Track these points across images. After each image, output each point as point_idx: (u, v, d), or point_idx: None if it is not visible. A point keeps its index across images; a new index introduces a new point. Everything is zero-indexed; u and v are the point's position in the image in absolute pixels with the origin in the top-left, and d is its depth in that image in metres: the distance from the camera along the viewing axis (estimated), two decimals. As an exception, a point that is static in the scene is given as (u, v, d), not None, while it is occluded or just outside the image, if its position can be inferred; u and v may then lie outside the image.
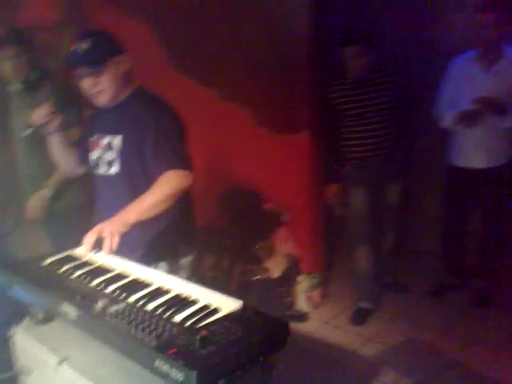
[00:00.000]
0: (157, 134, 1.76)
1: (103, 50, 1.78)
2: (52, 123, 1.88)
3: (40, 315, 1.34)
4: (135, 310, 1.10)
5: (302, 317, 3.39)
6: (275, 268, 3.34)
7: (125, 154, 1.83)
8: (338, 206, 3.23)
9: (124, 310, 1.11)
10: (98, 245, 1.48)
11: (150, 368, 0.95)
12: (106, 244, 1.45)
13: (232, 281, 3.27)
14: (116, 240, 1.48)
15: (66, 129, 1.95)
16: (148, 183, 1.69)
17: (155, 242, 1.89)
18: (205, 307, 1.12)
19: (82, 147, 2.02)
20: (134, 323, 1.03)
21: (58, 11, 4.02)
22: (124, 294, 1.20)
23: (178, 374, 0.89)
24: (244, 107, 3.49)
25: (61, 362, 1.12)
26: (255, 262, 3.29)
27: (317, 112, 3.23)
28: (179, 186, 1.71)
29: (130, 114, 1.83)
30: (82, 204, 2.65)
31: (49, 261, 1.50)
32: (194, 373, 0.86)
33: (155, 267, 1.90)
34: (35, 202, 2.58)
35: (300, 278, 3.48)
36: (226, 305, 1.12)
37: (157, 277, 1.32)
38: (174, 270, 1.95)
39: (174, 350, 0.93)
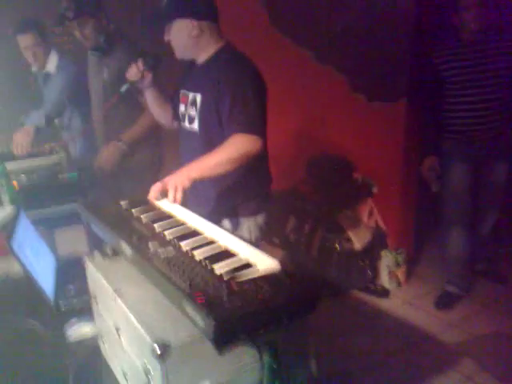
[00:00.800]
0: (233, 95, 1.77)
1: (173, 9, 1.84)
2: (144, 80, 1.99)
3: (109, 250, 1.48)
4: (180, 255, 1.17)
5: (382, 293, 3.31)
6: (358, 239, 3.27)
7: (203, 113, 1.89)
8: (434, 180, 3.03)
9: (170, 254, 1.18)
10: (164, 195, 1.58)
11: (180, 310, 1.01)
12: (170, 196, 1.54)
13: (312, 247, 3.28)
14: (179, 193, 1.55)
15: (157, 84, 2.06)
16: (223, 142, 1.73)
17: (225, 197, 1.95)
18: (243, 262, 1.14)
19: (174, 103, 2.12)
20: (175, 267, 1.10)
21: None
22: (176, 240, 1.27)
23: (200, 321, 0.93)
24: (340, 71, 3.37)
25: (116, 294, 1.23)
26: (338, 230, 3.24)
27: (417, 79, 3.01)
28: (246, 151, 1.72)
29: (211, 73, 1.87)
30: (152, 161, 2.85)
31: (123, 202, 1.64)
32: (213, 323, 0.90)
33: (223, 222, 1.98)
34: (108, 153, 2.78)
35: (385, 252, 3.37)
36: (265, 263, 1.13)
37: (210, 229, 1.38)
38: (241, 228, 2.01)
39: (202, 298, 0.98)
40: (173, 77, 2.27)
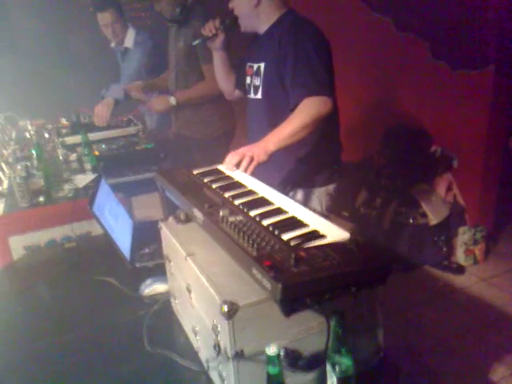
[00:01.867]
0: (296, 59, 1.76)
1: None
2: (217, 39, 2.03)
3: (182, 216, 1.54)
4: (249, 223, 1.20)
5: (458, 270, 3.20)
6: (434, 215, 3.15)
7: (266, 80, 1.90)
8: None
9: (240, 221, 1.21)
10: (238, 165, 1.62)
11: (249, 273, 1.04)
12: (243, 166, 1.57)
13: (385, 220, 3.21)
14: (253, 165, 1.58)
15: (228, 49, 2.08)
16: (289, 109, 1.73)
17: (295, 168, 1.96)
18: (312, 232, 1.15)
19: (239, 72, 2.14)
20: (244, 234, 1.13)
21: None
22: (245, 209, 1.30)
23: (267, 284, 0.96)
24: (421, 37, 3.20)
25: (187, 256, 1.30)
26: (412, 204, 3.14)
27: (506, 47, 2.78)
28: (317, 114, 1.70)
29: (273, 40, 1.87)
30: (224, 132, 2.93)
31: (196, 171, 1.69)
32: (280, 285, 0.92)
33: (294, 193, 2.00)
34: (157, 101, 2.98)
35: (462, 229, 3.24)
36: (334, 234, 1.13)
37: (279, 199, 1.39)
38: (312, 198, 2.02)
39: (270, 262, 1.00)
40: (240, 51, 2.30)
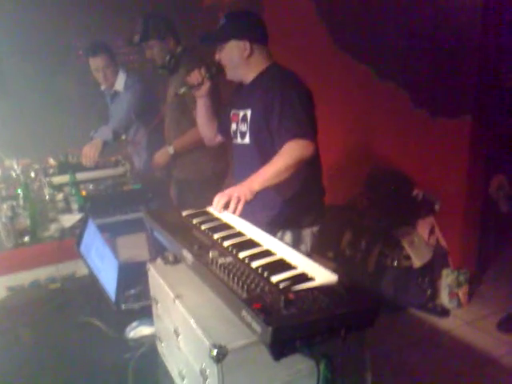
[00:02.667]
0: (282, 105, 1.85)
1: (228, 31, 1.94)
2: (203, 87, 2.09)
3: (170, 257, 1.54)
4: (239, 265, 1.21)
5: (442, 312, 3.21)
6: (418, 257, 3.19)
7: (253, 126, 1.98)
8: (503, 200, 2.91)
9: (230, 263, 1.22)
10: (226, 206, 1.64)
11: (238, 316, 1.04)
12: (231, 207, 1.61)
13: (369, 262, 3.23)
14: (241, 205, 1.63)
15: (212, 95, 2.15)
16: (276, 152, 1.79)
17: (281, 210, 1.99)
18: (301, 274, 1.16)
19: (222, 118, 2.21)
20: (233, 276, 1.13)
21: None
22: (235, 250, 1.31)
23: (257, 327, 0.96)
24: (401, 86, 3.34)
25: (176, 298, 1.29)
26: (396, 247, 3.18)
27: (482, 96, 2.92)
28: (300, 156, 1.77)
29: (260, 88, 1.97)
30: (213, 173, 2.99)
31: (186, 213, 1.70)
32: (270, 328, 0.92)
33: (282, 234, 2.02)
34: (159, 155, 3.07)
35: (446, 271, 3.27)
36: (322, 276, 1.14)
37: (267, 240, 1.41)
38: (297, 239, 2.04)
39: (259, 305, 1.00)
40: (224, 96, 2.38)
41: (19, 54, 4.69)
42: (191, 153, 2.99)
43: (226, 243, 1.38)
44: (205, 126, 2.29)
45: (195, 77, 2.06)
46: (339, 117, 3.85)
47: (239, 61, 1.98)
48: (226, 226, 1.56)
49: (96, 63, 3.30)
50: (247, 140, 2.04)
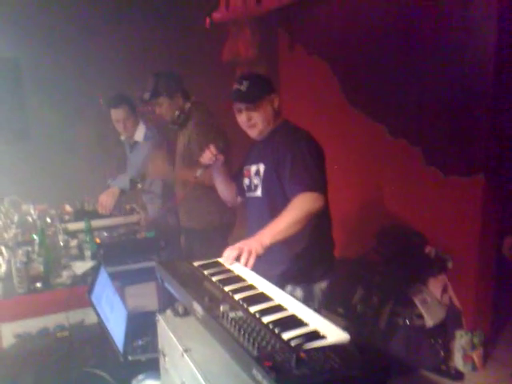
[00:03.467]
0: (294, 158, 1.90)
1: (259, 89, 2.02)
2: (217, 162, 2.16)
3: (180, 309, 1.53)
4: (250, 319, 1.19)
5: (456, 376, 3.08)
6: (430, 316, 3.10)
7: (266, 179, 2.04)
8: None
9: (240, 317, 1.21)
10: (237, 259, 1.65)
11: (248, 374, 1.02)
12: (242, 261, 1.61)
13: (381, 320, 3.15)
14: (252, 259, 1.62)
15: (226, 165, 2.22)
16: (287, 204, 1.81)
17: (291, 264, 1.99)
18: (313, 332, 1.14)
19: (238, 181, 2.27)
20: (244, 331, 1.12)
21: (253, 49, 4.53)
22: (246, 304, 1.30)
23: (267, 386, 0.94)
24: (413, 144, 3.38)
25: (184, 352, 1.27)
26: (408, 305, 3.11)
27: (496, 155, 2.94)
28: (310, 209, 1.79)
29: (272, 143, 2.03)
30: (221, 225, 3.01)
31: (197, 263, 1.71)
32: (281, 388, 0.90)
33: (292, 289, 2.00)
34: None
35: (459, 333, 3.17)
36: (334, 334, 1.12)
37: (278, 294, 1.39)
38: (308, 293, 2.02)
39: (270, 363, 0.98)
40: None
41: (43, 98, 4.85)
42: (199, 202, 3.02)
43: (237, 296, 1.37)
44: (225, 191, 2.36)
45: (207, 157, 2.15)
46: (350, 172, 3.88)
47: (272, 115, 2.06)
48: (238, 279, 1.55)
49: (117, 114, 3.42)
50: (259, 193, 2.09)
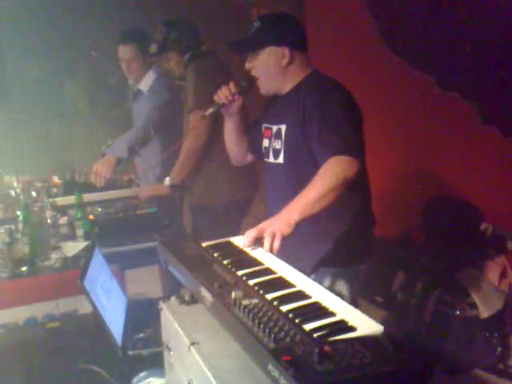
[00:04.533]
0: (322, 117, 1.86)
1: (265, 35, 1.98)
2: (233, 104, 2.12)
3: (186, 296, 1.56)
4: (266, 308, 1.21)
5: (516, 376, 3.09)
6: (486, 306, 3.10)
7: (289, 143, 2.00)
8: None
9: (255, 305, 1.23)
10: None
11: (263, 369, 1.04)
12: (266, 245, 1.59)
13: (425, 310, 3.16)
14: (277, 242, 1.59)
15: (242, 112, 2.19)
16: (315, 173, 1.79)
17: (321, 244, 1.99)
18: (339, 322, 1.16)
19: (252, 135, 2.25)
20: (259, 321, 1.14)
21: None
22: (261, 290, 1.32)
23: (285, 383, 0.96)
24: (467, 99, 3.30)
25: (191, 345, 1.31)
26: (459, 292, 3.11)
27: None
28: (342, 176, 1.74)
29: (295, 101, 1.98)
30: (228, 201, 3.02)
31: (206, 244, 1.73)
32: (300, 386, 0.93)
33: (321, 274, 2.01)
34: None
35: (521, 325, 3.16)
36: (365, 326, 1.14)
37: (301, 280, 1.41)
38: (340, 279, 2.03)
39: (289, 357, 1.00)
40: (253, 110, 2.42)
41: (24, 51, 4.82)
42: (205, 173, 3.04)
43: (252, 281, 1.39)
44: (234, 147, 2.32)
45: (223, 94, 2.09)
46: (392, 134, 3.83)
47: (277, 71, 2.01)
48: (253, 261, 1.57)
49: (123, 52, 3.38)
50: (281, 159, 2.05)
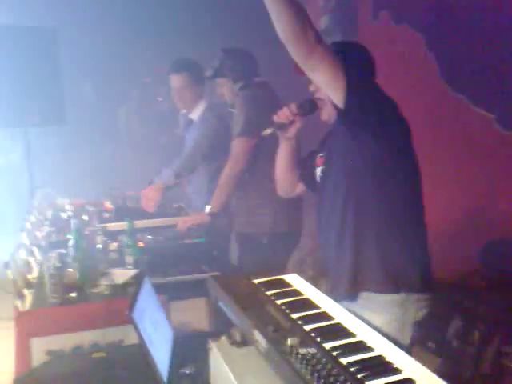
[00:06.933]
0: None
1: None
2: (293, 126, 2.08)
3: (237, 335, 1.51)
4: (325, 359, 1.15)
5: None
6: (552, 360, 2.91)
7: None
8: None
9: (313, 355, 1.17)
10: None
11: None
12: None
13: (483, 361, 3.00)
14: None
15: (299, 138, 2.14)
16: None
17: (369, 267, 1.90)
18: (406, 381, 1.08)
19: (305, 163, 2.20)
20: (317, 374, 1.08)
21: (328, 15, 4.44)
22: (320, 338, 1.26)
23: None
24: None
25: (241, 391, 1.25)
26: (520, 344, 2.94)
27: None
28: None
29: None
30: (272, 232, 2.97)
31: (258, 281, 1.68)
32: None
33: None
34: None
35: None
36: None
37: (361, 328, 1.34)
38: (386, 313, 1.90)
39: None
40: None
41: (81, 76, 4.95)
42: (247, 201, 3.04)
43: (308, 327, 1.33)
44: (284, 175, 2.26)
45: (284, 115, 2.05)
46: (449, 171, 3.72)
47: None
48: (308, 303, 1.52)
49: (175, 81, 3.42)
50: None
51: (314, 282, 1.83)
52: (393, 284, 1.88)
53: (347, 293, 1.85)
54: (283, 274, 1.77)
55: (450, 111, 3.76)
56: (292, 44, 1.68)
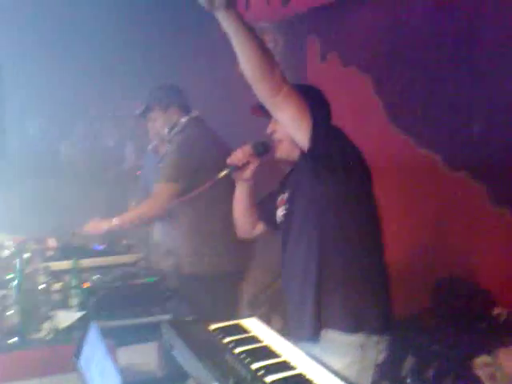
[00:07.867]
0: None
1: None
2: (248, 168, 2.06)
3: (195, 387, 1.43)
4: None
5: None
6: (502, 399, 2.95)
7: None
8: None
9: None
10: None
11: None
12: None
13: (438, 398, 3.01)
14: None
15: (255, 179, 2.13)
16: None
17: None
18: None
19: (265, 204, 2.18)
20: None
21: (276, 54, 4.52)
22: (283, 390, 1.21)
23: None
24: (477, 178, 3.27)
25: None
26: (472, 381, 2.96)
27: None
28: None
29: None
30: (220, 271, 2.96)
31: (214, 326, 1.62)
32: None
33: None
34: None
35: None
36: None
37: (325, 377, 1.30)
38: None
39: None
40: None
41: (24, 108, 4.86)
42: (194, 241, 3.00)
43: (270, 378, 1.28)
44: (242, 216, 2.24)
45: (237, 157, 2.04)
46: (398, 211, 3.78)
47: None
48: (268, 351, 1.47)
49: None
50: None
51: (267, 318, 1.81)
52: (355, 322, 1.89)
53: (310, 332, 1.84)
54: (241, 317, 1.72)
55: (397, 151, 3.83)
56: (260, 83, 1.70)
